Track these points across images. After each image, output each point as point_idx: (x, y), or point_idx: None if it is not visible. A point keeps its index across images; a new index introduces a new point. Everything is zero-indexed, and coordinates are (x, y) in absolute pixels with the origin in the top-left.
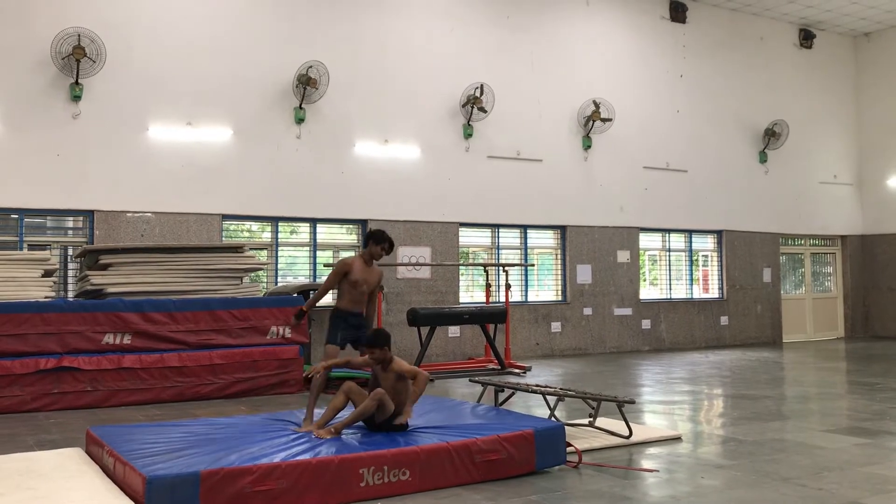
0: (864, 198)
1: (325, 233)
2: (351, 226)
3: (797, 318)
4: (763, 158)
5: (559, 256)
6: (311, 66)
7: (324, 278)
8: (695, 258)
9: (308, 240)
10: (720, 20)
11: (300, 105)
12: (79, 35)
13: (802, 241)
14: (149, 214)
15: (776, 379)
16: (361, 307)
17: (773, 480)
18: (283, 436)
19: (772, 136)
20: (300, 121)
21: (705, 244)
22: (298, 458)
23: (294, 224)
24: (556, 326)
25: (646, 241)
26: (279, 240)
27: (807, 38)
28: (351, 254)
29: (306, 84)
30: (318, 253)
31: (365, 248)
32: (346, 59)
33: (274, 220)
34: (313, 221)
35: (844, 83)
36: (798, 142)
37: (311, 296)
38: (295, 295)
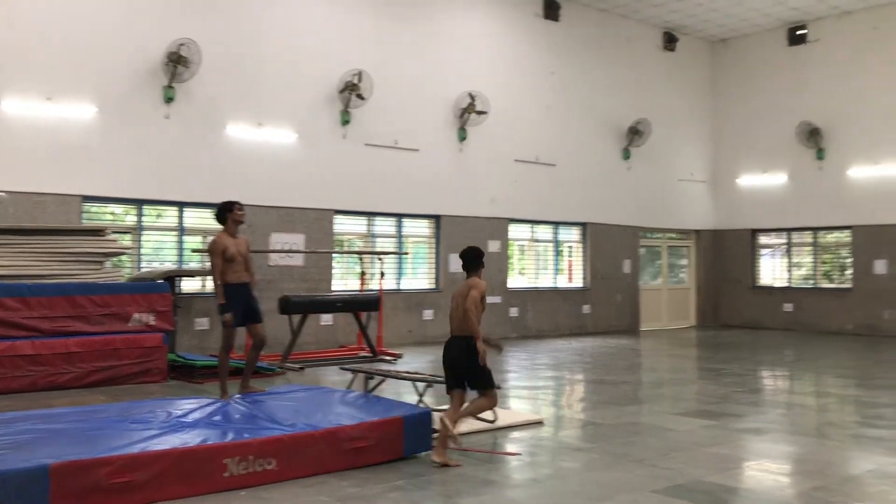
0: (716, 195)
1: (194, 217)
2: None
3: (653, 308)
4: (626, 155)
5: (433, 245)
6: (182, 44)
7: (192, 264)
8: (560, 249)
9: (175, 224)
10: (591, 20)
11: (170, 84)
12: None
13: (660, 235)
14: (2, 194)
15: (633, 365)
16: (245, 277)
17: (628, 462)
18: (143, 426)
19: (635, 134)
20: (170, 100)
21: (570, 236)
22: (159, 448)
23: (161, 207)
24: (428, 314)
25: (515, 231)
26: (144, 223)
27: (670, 41)
28: None
29: (177, 62)
30: (186, 238)
31: (223, 224)
32: (220, 39)
33: (139, 203)
34: (181, 205)
35: (703, 86)
36: (659, 140)
37: (177, 281)
38: (160, 281)
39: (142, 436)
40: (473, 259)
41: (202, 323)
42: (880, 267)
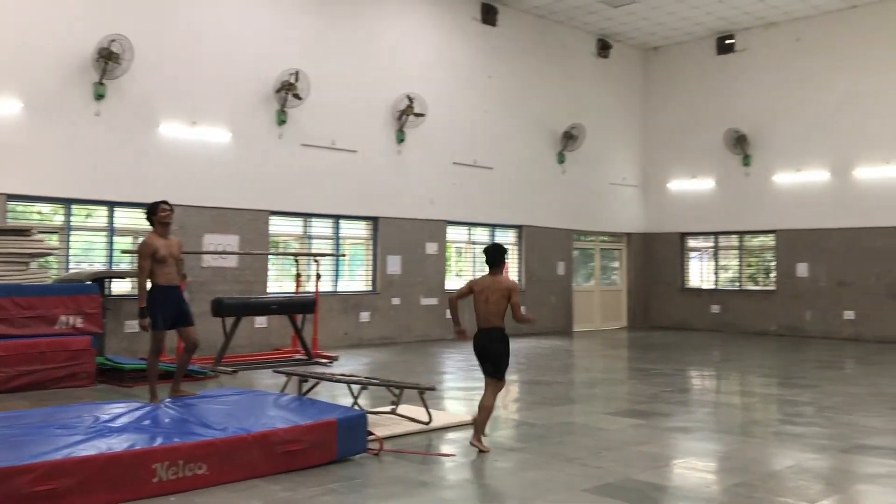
0: (647, 199)
1: (125, 217)
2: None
3: (586, 309)
4: (561, 159)
5: (370, 247)
6: (113, 40)
7: (123, 265)
8: None
9: (105, 224)
10: (528, 26)
11: (100, 80)
12: None
13: (593, 238)
14: None
15: (566, 366)
16: (176, 280)
17: (560, 461)
18: (69, 431)
19: (569, 138)
20: (100, 97)
21: (507, 238)
22: (84, 454)
23: (90, 207)
24: (364, 316)
25: (453, 233)
26: (73, 223)
27: (604, 48)
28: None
29: (108, 58)
30: (116, 238)
31: (152, 225)
32: (153, 36)
33: (67, 203)
34: (111, 205)
35: (634, 92)
36: (593, 145)
37: (107, 282)
38: (89, 283)
39: (66, 441)
40: (499, 257)
41: (132, 326)
42: (802, 270)
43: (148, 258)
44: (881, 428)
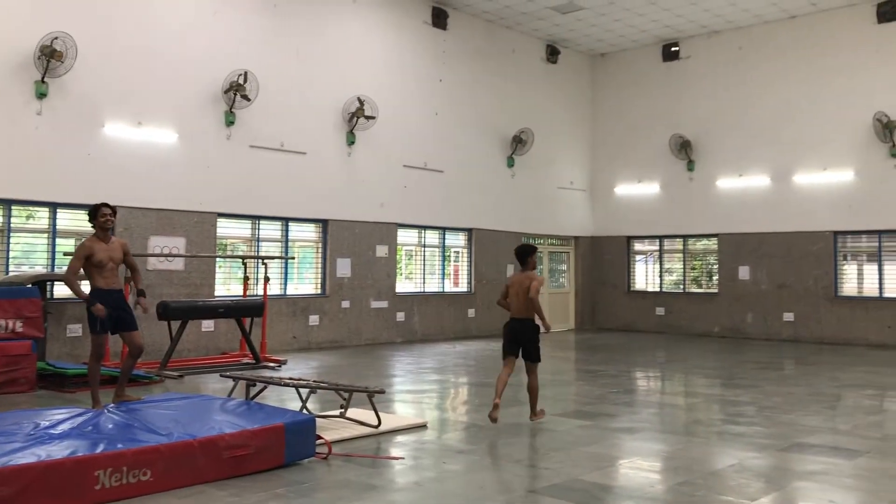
0: (594, 203)
1: (68, 219)
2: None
3: None
4: (511, 163)
5: (320, 250)
6: (56, 38)
7: (65, 268)
8: (447, 254)
9: (47, 226)
10: (478, 30)
11: (42, 79)
12: None
13: (542, 241)
14: None
15: (515, 368)
16: (117, 284)
17: (508, 462)
18: (7, 438)
19: (519, 142)
20: (42, 95)
21: (457, 241)
22: (23, 461)
23: (31, 208)
24: (314, 319)
25: (403, 236)
26: (13, 225)
27: (553, 53)
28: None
29: (50, 56)
30: (59, 240)
31: (93, 227)
32: (98, 34)
33: (7, 203)
34: (54, 206)
35: (583, 98)
36: (541, 149)
37: (49, 286)
38: (29, 286)
39: (4, 449)
40: (527, 255)
41: (74, 330)
42: (744, 273)
43: (80, 260)
44: (818, 426)
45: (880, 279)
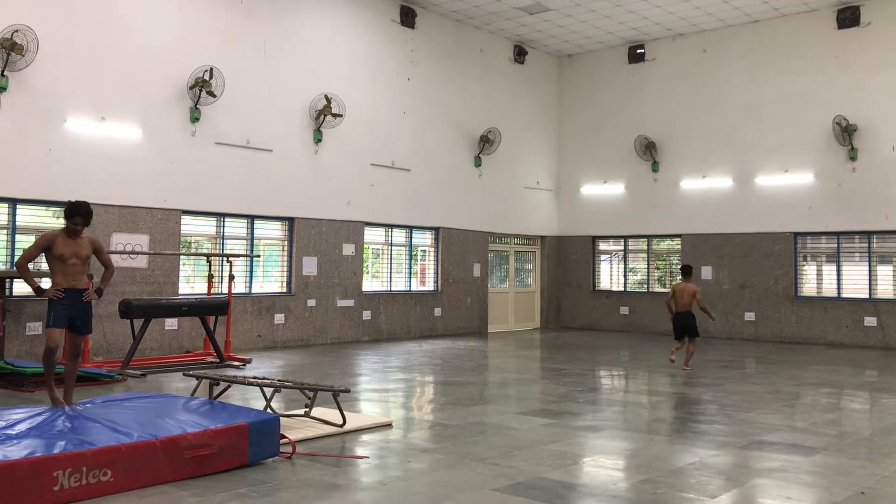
0: (560, 203)
1: (28, 215)
2: (58, 208)
3: (501, 310)
4: (478, 162)
5: (286, 248)
6: (17, 31)
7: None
8: (414, 253)
9: (7, 222)
10: (446, 29)
11: (2, 72)
12: None
13: (508, 240)
14: None
15: (480, 366)
16: (81, 283)
17: (472, 461)
18: None
19: (486, 142)
20: (2, 90)
21: (424, 240)
22: None
23: None
24: (279, 318)
25: (370, 235)
26: None
27: (520, 54)
28: None
29: (10, 50)
30: (19, 237)
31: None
32: (60, 27)
33: None
34: (13, 202)
35: (549, 98)
36: (508, 149)
37: (7, 283)
38: None
39: None
40: (688, 271)
41: (34, 328)
42: (706, 273)
43: (38, 249)
44: (777, 424)
45: (838, 280)
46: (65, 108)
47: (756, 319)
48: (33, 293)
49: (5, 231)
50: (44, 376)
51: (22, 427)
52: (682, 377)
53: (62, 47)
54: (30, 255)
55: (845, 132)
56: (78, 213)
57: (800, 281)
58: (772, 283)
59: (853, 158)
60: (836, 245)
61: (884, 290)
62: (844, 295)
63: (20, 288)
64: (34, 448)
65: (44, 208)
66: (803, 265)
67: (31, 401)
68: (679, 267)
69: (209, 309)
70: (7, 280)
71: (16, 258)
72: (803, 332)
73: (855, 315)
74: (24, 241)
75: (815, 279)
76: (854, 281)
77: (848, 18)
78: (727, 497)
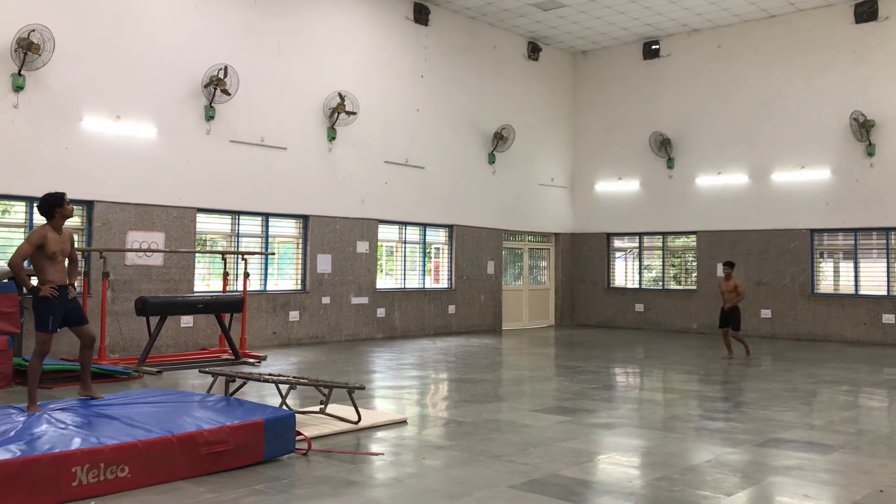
0: (575, 200)
1: None
2: (75, 206)
3: (515, 308)
4: (492, 160)
5: (300, 245)
6: (33, 30)
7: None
8: (428, 250)
9: (24, 221)
10: (459, 26)
11: (19, 71)
12: None
13: (522, 238)
14: None
15: (495, 363)
16: (65, 279)
17: (487, 458)
18: None
19: (500, 139)
20: (19, 88)
21: (438, 237)
22: (0, 457)
23: (7, 203)
24: (294, 315)
25: (384, 232)
26: None
27: (534, 50)
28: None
29: (27, 49)
30: None
31: (49, 218)
32: (76, 27)
33: None
34: (30, 200)
35: (564, 95)
36: (522, 146)
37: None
38: (6, 281)
39: None
40: (729, 266)
41: None
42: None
43: (33, 246)
44: (794, 422)
45: (856, 277)
46: (81, 107)
47: (772, 317)
48: (27, 292)
49: (22, 229)
50: (63, 372)
51: (41, 422)
52: (694, 376)
53: (78, 47)
54: (25, 252)
55: (862, 128)
56: (63, 195)
57: (816, 278)
58: (788, 280)
59: (870, 154)
60: (853, 241)
61: None
62: (862, 292)
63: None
64: (53, 444)
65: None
66: (820, 262)
67: (48, 397)
68: (725, 263)
69: (224, 306)
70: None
71: None
72: (820, 329)
73: (873, 312)
74: None
75: (832, 276)
76: (872, 278)
77: (865, 13)
78: (744, 495)
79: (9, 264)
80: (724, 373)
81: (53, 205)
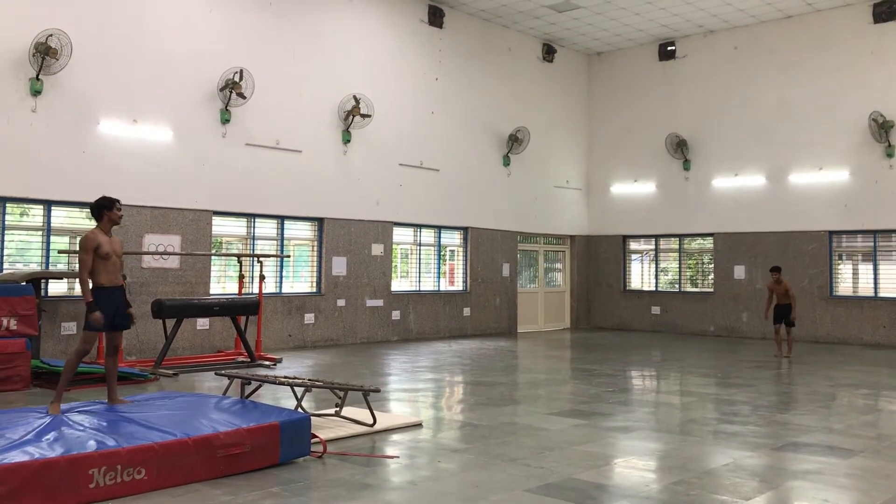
0: (590, 202)
1: (63, 217)
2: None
3: (530, 310)
4: (506, 162)
5: (315, 248)
6: (51, 35)
7: (60, 266)
8: (442, 253)
9: (42, 223)
10: (474, 29)
11: (37, 76)
12: None
13: (537, 240)
14: None
15: (510, 366)
16: (119, 280)
17: (503, 461)
18: (0, 436)
19: (515, 141)
20: (37, 93)
21: (452, 240)
22: (18, 460)
23: (25, 205)
24: (309, 318)
25: (399, 235)
26: (7, 222)
27: (549, 52)
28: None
29: (45, 53)
30: (53, 238)
31: (99, 220)
32: (93, 31)
33: (2, 201)
34: (48, 203)
35: (579, 97)
36: (537, 148)
37: (43, 283)
38: (24, 283)
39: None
40: (776, 270)
41: (69, 328)
42: (739, 272)
43: (90, 253)
44: (812, 426)
45: (875, 279)
46: (98, 111)
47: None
48: (85, 306)
49: (40, 232)
50: (81, 375)
51: (59, 425)
52: (712, 379)
53: (95, 51)
54: (87, 263)
55: (882, 129)
56: (115, 200)
57: (835, 280)
58: (806, 283)
59: (890, 155)
60: (872, 243)
61: None
62: (882, 294)
63: (55, 288)
64: (70, 446)
65: (77, 210)
66: (838, 264)
67: (67, 399)
68: (771, 269)
69: (240, 309)
70: (42, 280)
71: (51, 258)
72: (839, 332)
73: (893, 315)
74: (58, 242)
75: (851, 278)
76: (892, 280)
77: (884, 13)
78: (762, 499)
79: (79, 281)
80: (742, 376)
81: (102, 207)
